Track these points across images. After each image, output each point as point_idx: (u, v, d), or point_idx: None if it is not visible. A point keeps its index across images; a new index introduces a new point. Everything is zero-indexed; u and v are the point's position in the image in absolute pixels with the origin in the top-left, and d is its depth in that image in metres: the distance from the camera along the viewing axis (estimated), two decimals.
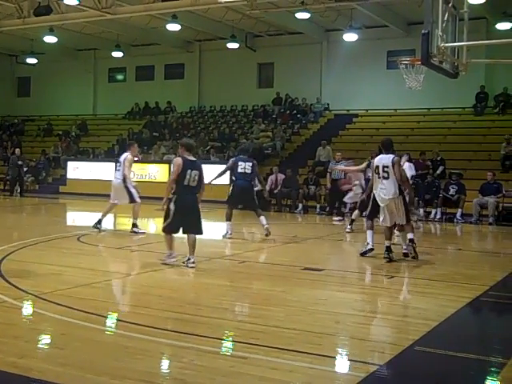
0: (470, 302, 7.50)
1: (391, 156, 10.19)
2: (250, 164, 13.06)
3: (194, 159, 9.54)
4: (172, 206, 9.27)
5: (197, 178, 9.31)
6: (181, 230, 9.40)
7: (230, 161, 13.62)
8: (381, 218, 10.33)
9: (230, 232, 13.06)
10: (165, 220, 9.40)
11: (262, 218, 12.97)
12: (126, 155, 13.77)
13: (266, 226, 12.92)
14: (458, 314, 6.91)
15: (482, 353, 5.60)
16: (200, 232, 9.50)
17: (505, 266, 10.53)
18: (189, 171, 9.23)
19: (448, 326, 6.43)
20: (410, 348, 5.49)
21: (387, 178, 10.01)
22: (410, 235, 10.37)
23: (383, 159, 10.15)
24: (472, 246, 14.84)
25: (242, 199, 13.19)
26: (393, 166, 10.01)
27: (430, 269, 9.98)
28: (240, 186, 12.96)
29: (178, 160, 9.35)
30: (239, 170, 13.00)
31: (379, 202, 10.20)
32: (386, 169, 10.02)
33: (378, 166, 10.15)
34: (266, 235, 12.89)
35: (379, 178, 10.10)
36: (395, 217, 10.20)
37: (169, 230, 9.47)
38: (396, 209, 10.12)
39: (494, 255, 12.82)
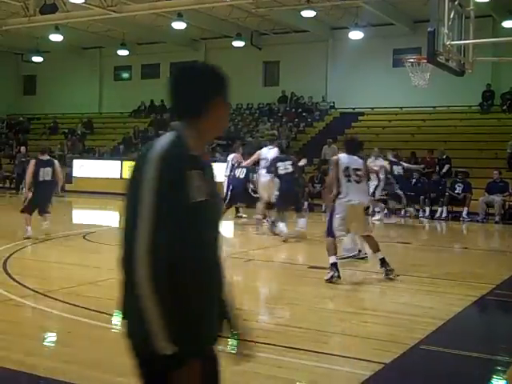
0: (476, 300, 7.48)
1: (360, 159, 9.00)
2: (290, 162, 12.92)
3: (48, 158, 12.30)
4: (31, 196, 11.94)
5: (50, 173, 11.91)
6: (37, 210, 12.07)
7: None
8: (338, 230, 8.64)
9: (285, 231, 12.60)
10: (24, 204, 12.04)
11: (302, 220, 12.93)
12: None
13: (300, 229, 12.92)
14: (465, 313, 6.89)
15: (488, 352, 5.58)
16: (48, 212, 12.26)
17: (511, 265, 10.50)
18: (41, 169, 11.81)
19: (454, 324, 6.42)
20: (416, 347, 5.48)
21: (359, 183, 8.74)
22: (380, 255, 8.85)
23: (353, 160, 8.81)
24: (478, 244, 14.80)
25: (289, 200, 12.92)
26: (364, 169, 8.90)
27: (435, 267, 9.96)
28: (285, 188, 12.67)
29: (32, 162, 12.12)
30: (280, 172, 12.75)
31: (346, 209, 8.59)
32: (358, 172, 8.74)
33: (347, 168, 8.71)
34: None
35: (349, 181, 8.67)
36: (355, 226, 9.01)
37: (27, 211, 11.90)
38: (359, 217, 8.91)
39: (500, 254, 12.79)
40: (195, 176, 2.14)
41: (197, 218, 2.15)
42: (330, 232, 8.67)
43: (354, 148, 9.02)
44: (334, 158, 9.02)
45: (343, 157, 8.83)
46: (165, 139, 2.20)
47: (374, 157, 16.47)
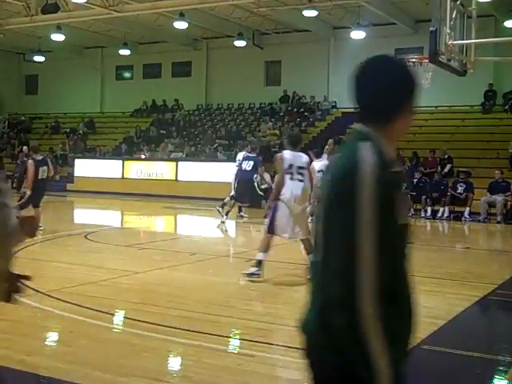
0: (478, 300, 7.47)
1: (305, 156, 8.73)
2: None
3: (42, 157, 12.94)
4: (29, 193, 12.39)
5: (46, 171, 12.54)
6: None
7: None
8: (284, 231, 8.47)
9: None
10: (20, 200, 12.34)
11: None
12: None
13: None
14: (466, 313, 6.88)
15: (489, 352, 5.58)
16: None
17: None
18: (40, 168, 12.37)
19: (456, 324, 6.41)
20: (418, 347, 5.46)
21: (302, 181, 8.44)
22: (261, 256, 8.41)
23: (298, 157, 8.51)
24: (480, 244, 14.79)
25: None
26: (308, 168, 8.69)
27: (438, 267, 9.95)
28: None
29: (31, 163, 12.45)
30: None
31: (289, 208, 8.35)
32: (301, 170, 8.44)
33: (291, 165, 8.37)
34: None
35: (292, 179, 8.37)
36: (296, 229, 8.49)
37: (25, 207, 12.18)
38: (301, 219, 8.58)
39: (502, 254, 12.77)
40: (401, 196, 1.97)
41: (402, 242, 2.04)
42: (269, 229, 8.48)
43: (298, 145, 8.74)
44: (278, 154, 8.65)
45: (287, 153, 8.51)
46: (365, 152, 1.95)
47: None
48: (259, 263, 8.30)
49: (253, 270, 8.26)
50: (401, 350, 2.06)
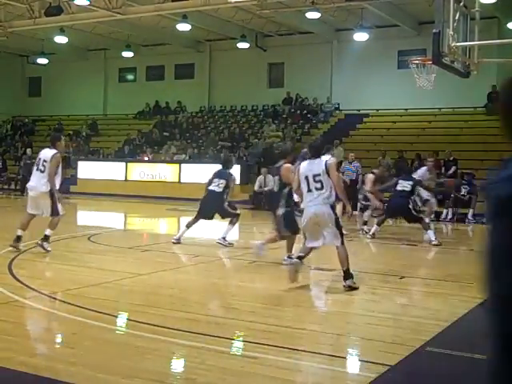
0: (481, 302, 7.44)
1: (50, 151, 10.34)
2: (411, 182, 13.29)
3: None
4: None
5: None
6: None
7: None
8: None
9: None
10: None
11: (430, 232, 13.04)
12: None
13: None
14: (470, 315, 6.86)
15: None
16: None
17: None
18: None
19: (460, 326, 6.39)
20: (422, 349, 5.46)
21: (43, 172, 10.15)
22: (47, 231, 10.19)
23: (45, 152, 10.36)
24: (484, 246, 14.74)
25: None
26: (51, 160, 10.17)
27: (441, 269, 9.93)
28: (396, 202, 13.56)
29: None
30: (399, 188, 13.47)
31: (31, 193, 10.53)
32: (45, 163, 10.12)
33: (40, 159, 10.35)
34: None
35: (37, 170, 10.29)
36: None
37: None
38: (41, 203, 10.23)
39: None
40: None
41: None
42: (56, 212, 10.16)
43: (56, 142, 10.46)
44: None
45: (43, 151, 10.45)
46: None
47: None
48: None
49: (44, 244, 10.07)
50: None
